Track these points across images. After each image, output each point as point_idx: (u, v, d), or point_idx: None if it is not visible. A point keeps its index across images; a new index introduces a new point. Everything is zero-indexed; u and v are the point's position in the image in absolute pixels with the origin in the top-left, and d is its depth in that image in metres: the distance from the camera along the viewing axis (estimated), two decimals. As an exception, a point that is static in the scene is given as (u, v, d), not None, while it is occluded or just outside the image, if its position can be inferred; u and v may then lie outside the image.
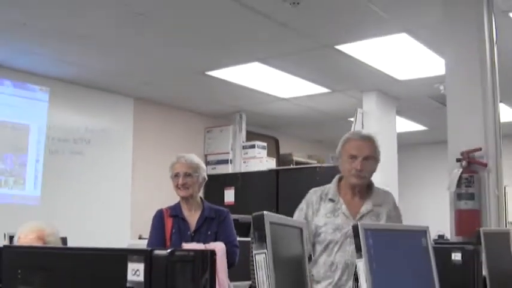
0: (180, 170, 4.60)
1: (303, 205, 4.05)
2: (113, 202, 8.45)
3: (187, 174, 4.58)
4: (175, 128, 9.56)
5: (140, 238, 7.32)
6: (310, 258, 3.95)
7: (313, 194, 4.04)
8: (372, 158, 3.84)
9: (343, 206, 3.89)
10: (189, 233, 4.52)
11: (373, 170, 3.90)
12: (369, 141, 3.90)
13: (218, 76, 7.81)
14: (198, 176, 4.62)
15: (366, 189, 3.94)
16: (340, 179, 4.01)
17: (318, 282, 3.90)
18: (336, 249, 3.83)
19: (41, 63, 7.31)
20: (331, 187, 4.01)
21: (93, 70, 7.62)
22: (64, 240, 5.09)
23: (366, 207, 3.89)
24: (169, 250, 1.59)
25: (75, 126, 8.24)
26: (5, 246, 2.27)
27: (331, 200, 3.94)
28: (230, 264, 4.45)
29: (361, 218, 3.85)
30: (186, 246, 4.36)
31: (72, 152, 8.16)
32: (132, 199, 8.71)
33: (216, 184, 8.65)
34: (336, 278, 3.83)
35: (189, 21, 5.93)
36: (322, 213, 3.93)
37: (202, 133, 10.06)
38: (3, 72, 7.43)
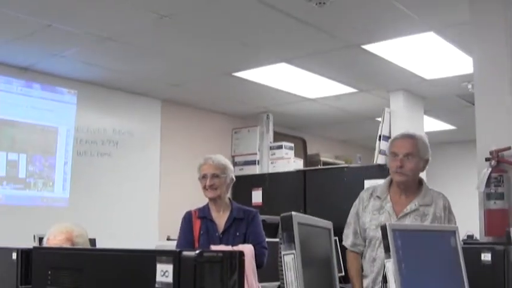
0: (208, 171, 4.60)
1: (356, 201, 4.17)
2: (141, 203, 8.49)
3: (214, 176, 4.58)
4: (202, 129, 9.57)
5: (168, 239, 7.34)
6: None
7: (366, 191, 4.18)
8: (412, 155, 3.92)
9: (388, 204, 4.00)
10: (217, 234, 4.52)
11: (417, 168, 3.99)
12: (411, 139, 4.00)
13: (245, 77, 7.82)
14: (225, 177, 4.62)
15: (415, 189, 4.04)
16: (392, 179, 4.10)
17: (366, 277, 4.06)
18: (377, 245, 3.95)
19: (68, 66, 7.35)
20: (381, 185, 4.12)
21: (121, 72, 7.65)
22: (93, 241, 5.13)
23: (411, 206, 3.96)
24: (197, 251, 1.59)
25: (103, 128, 8.29)
26: (35, 248, 2.30)
27: (379, 198, 4.04)
28: (258, 266, 4.44)
29: (404, 216, 3.94)
30: (214, 248, 4.36)
31: (100, 154, 8.21)
32: (160, 200, 8.74)
33: (243, 185, 8.63)
34: (375, 272, 3.97)
35: (215, 22, 5.93)
36: (369, 209, 4.06)
37: (230, 134, 10.06)
38: (32, 76, 7.50)
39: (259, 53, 6.89)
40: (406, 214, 3.94)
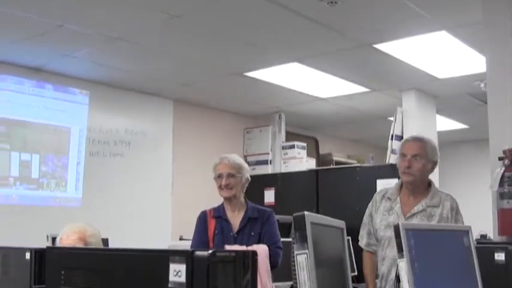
0: (223, 170, 4.60)
1: (370, 203, 4.36)
2: (154, 203, 8.51)
3: (230, 175, 4.58)
4: (214, 129, 9.58)
5: (181, 239, 7.34)
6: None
7: (379, 193, 4.37)
8: (420, 156, 4.10)
9: (397, 205, 4.17)
10: (231, 233, 4.52)
11: (424, 169, 4.15)
12: (419, 141, 4.19)
13: (257, 77, 7.82)
14: (241, 176, 4.62)
15: (423, 190, 4.20)
16: None
17: (378, 275, 4.26)
18: (386, 244, 4.14)
19: (80, 66, 7.37)
20: (392, 187, 4.31)
21: (132, 72, 7.67)
22: (105, 241, 5.13)
23: (418, 207, 4.12)
24: (210, 251, 1.59)
25: (115, 128, 8.31)
26: (48, 248, 2.30)
27: (389, 199, 4.22)
28: (273, 266, 4.43)
29: (411, 216, 4.10)
30: (229, 248, 4.35)
31: (113, 154, 8.24)
32: (172, 200, 8.76)
33: (255, 185, 8.51)
34: (382, 271, 4.17)
35: (226, 22, 5.93)
36: (380, 211, 4.25)
37: (242, 134, 10.06)
38: (44, 76, 7.52)
39: (270, 52, 6.89)
40: (413, 214, 4.09)
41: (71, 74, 7.66)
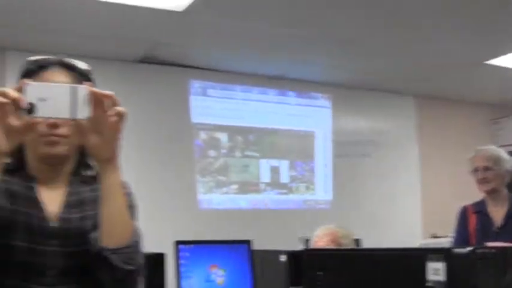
0: (479, 164, 4.44)
1: None
2: (403, 201, 8.44)
3: (486, 168, 4.40)
4: (459, 122, 9.32)
5: (434, 237, 7.23)
6: None
7: None
8: None
9: None
10: (493, 229, 4.36)
11: None
12: None
13: (499, 64, 7.52)
14: (499, 168, 4.40)
15: None
16: None
17: None
18: None
19: (319, 71, 7.53)
20: None
21: (370, 73, 7.69)
22: (358, 242, 5.19)
23: None
24: (469, 248, 1.56)
25: (359, 129, 8.36)
26: (306, 250, 2.37)
27: None
28: None
29: None
30: (490, 245, 4.22)
31: (358, 155, 8.28)
32: (422, 198, 8.64)
33: None
34: None
35: (461, 11, 5.77)
36: None
37: (488, 125, 9.73)
38: (286, 84, 7.77)
39: (510, 37, 6.61)
40: None
41: (311, 80, 7.83)
